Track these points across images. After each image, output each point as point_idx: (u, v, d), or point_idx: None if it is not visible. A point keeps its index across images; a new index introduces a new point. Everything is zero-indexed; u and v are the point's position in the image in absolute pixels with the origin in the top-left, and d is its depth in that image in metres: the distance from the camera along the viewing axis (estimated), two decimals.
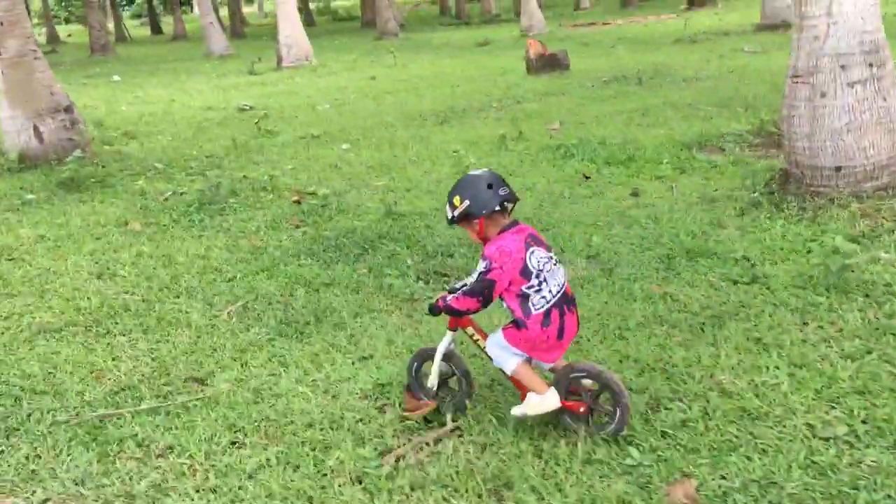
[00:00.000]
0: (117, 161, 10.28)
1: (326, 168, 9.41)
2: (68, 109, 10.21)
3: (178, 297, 5.77)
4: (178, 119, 14.21)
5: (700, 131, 9.58)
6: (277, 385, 4.30)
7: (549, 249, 3.37)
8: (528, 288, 3.23)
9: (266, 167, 9.51)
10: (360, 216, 7.31)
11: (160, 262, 6.45)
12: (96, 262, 6.55)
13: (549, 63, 15.88)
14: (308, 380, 4.33)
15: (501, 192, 3.26)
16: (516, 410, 3.41)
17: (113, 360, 4.83)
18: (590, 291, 5.18)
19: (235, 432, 3.84)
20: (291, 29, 22.19)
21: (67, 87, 18.01)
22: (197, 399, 4.21)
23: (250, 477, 3.46)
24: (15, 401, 4.38)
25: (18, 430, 4.09)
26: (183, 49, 34.63)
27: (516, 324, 3.30)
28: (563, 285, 3.36)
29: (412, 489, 3.28)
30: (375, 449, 3.55)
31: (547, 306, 3.25)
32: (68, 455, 3.81)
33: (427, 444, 3.54)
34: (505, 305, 3.34)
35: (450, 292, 3.46)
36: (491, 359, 3.49)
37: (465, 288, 3.32)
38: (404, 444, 3.59)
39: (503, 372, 3.48)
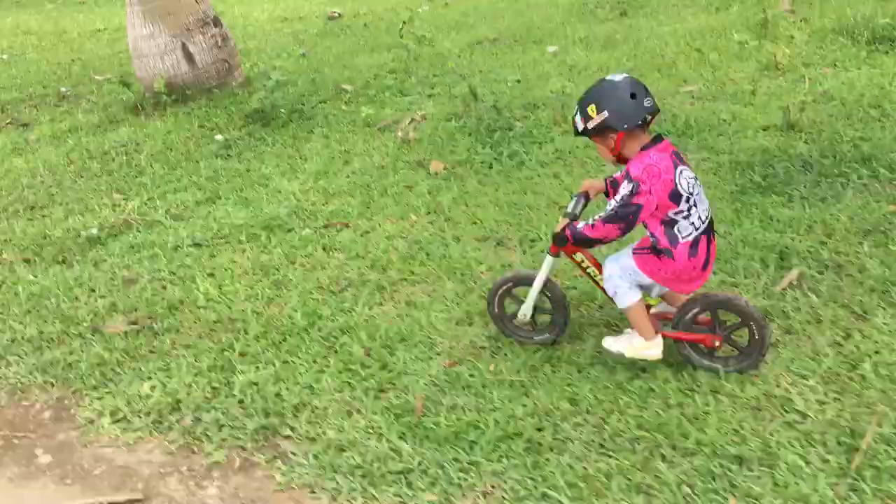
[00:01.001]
0: (282, 86, 8.09)
1: (574, 76, 7.50)
2: (216, 22, 7.99)
3: None
4: (259, 34, 11.87)
5: None
6: None
7: (691, 168, 2.91)
8: (677, 213, 2.84)
9: (485, 79, 7.56)
10: (747, 133, 5.55)
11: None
12: (482, 227, 4.67)
13: None
14: None
15: (647, 103, 2.80)
16: (613, 345, 3.17)
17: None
18: None
19: None
20: None
21: (38, 14, 15.41)
22: None
23: None
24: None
25: None
26: None
27: (657, 252, 2.91)
28: (710, 210, 2.97)
29: None
30: None
31: (696, 234, 2.88)
32: None
33: None
34: (647, 232, 2.92)
35: (569, 217, 3.05)
36: (602, 288, 3.14)
37: (604, 214, 2.86)
38: None
39: (613, 301, 3.10)
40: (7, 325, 4.02)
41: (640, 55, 7.93)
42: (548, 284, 3.33)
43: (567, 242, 3.04)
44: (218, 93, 7.74)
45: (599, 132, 2.87)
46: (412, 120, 6.74)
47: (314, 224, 4.95)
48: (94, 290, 4.34)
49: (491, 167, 5.52)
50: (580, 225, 2.95)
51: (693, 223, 2.87)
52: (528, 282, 3.34)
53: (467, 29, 10.40)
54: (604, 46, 8.42)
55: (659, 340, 3.08)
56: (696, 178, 2.90)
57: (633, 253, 3.01)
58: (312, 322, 3.79)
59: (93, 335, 3.87)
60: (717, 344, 3.08)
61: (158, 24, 7.62)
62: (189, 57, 7.73)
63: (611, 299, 3.12)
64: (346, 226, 4.87)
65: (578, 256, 3.18)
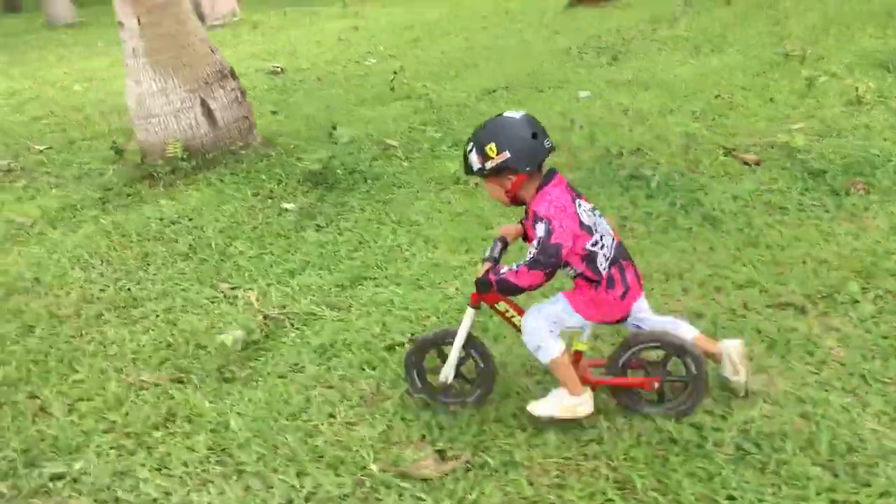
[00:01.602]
0: (307, 145, 7.03)
1: (645, 119, 6.98)
2: (234, 75, 6.83)
3: None
4: None
5: None
6: None
7: (587, 199, 2.86)
8: (594, 245, 2.74)
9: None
10: None
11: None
12: (749, 291, 3.93)
13: None
14: None
15: (547, 143, 2.73)
16: (540, 409, 2.90)
17: None
18: None
19: None
20: None
21: None
22: None
23: None
24: None
25: None
26: None
27: (588, 282, 2.78)
28: (614, 236, 2.86)
29: None
30: None
31: (607, 264, 2.78)
32: None
33: None
34: (573, 270, 2.77)
35: (490, 261, 2.85)
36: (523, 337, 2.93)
37: (527, 260, 2.69)
38: None
39: (536, 356, 2.89)
40: (273, 479, 2.82)
41: (693, 95, 7.51)
42: (469, 342, 3.04)
43: (491, 287, 2.78)
44: (247, 154, 6.55)
45: (497, 172, 2.73)
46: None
47: None
48: (332, 416, 3.20)
49: (675, 222, 4.79)
50: (503, 270, 2.75)
51: (605, 254, 2.76)
52: (452, 339, 3.03)
53: (450, 79, 9.71)
54: (642, 89, 7.95)
55: (588, 396, 2.86)
56: (593, 209, 2.82)
57: (565, 294, 2.84)
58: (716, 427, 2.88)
59: (404, 482, 2.75)
60: (655, 386, 2.93)
61: (172, 79, 6.38)
62: (209, 115, 6.52)
63: (532, 354, 2.89)
64: None
65: (502, 306, 2.95)
